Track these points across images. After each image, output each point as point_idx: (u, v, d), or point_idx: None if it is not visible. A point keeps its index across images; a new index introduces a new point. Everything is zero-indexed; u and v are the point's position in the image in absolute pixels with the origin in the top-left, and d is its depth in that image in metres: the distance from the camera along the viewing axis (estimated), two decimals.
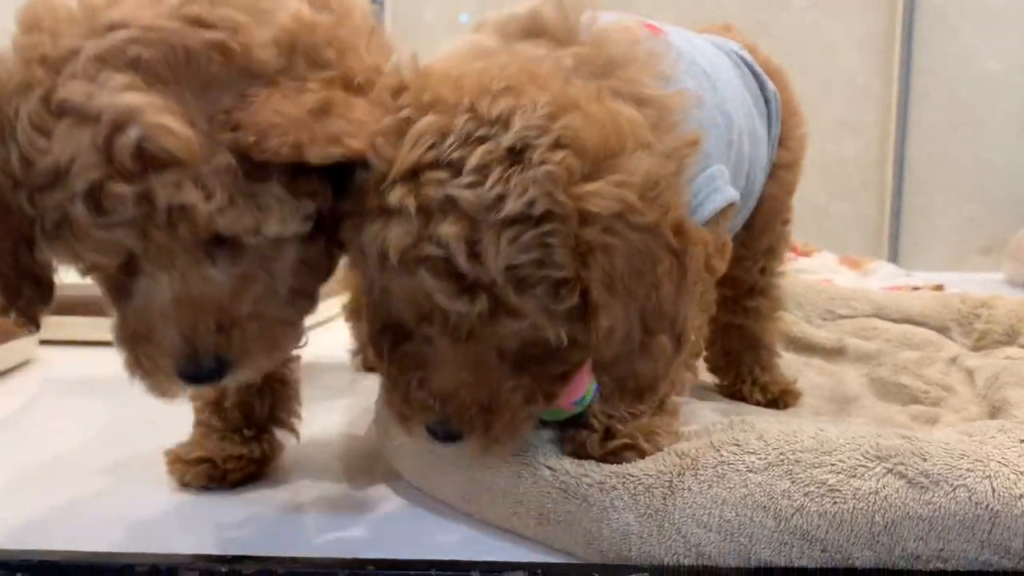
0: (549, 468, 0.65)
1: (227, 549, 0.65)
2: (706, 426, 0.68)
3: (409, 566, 0.61)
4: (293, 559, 0.62)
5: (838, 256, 1.94)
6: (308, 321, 0.66)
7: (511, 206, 0.55)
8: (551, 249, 0.55)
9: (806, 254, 1.96)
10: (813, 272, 1.83)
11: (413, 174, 0.57)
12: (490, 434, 0.61)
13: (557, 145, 0.56)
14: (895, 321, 1.26)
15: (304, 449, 0.85)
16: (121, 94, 0.52)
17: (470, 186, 0.55)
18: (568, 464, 0.65)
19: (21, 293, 0.64)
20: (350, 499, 0.77)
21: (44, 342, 1.25)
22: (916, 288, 1.63)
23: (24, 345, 1.22)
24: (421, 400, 0.62)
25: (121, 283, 0.61)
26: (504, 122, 0.57)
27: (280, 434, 0.82)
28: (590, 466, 0.65)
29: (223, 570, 0.60)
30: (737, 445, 0.62)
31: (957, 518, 0.58)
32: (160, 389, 0.62)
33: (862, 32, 2.22)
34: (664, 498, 0.61)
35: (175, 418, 0.83)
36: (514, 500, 0.65)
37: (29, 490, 0.78)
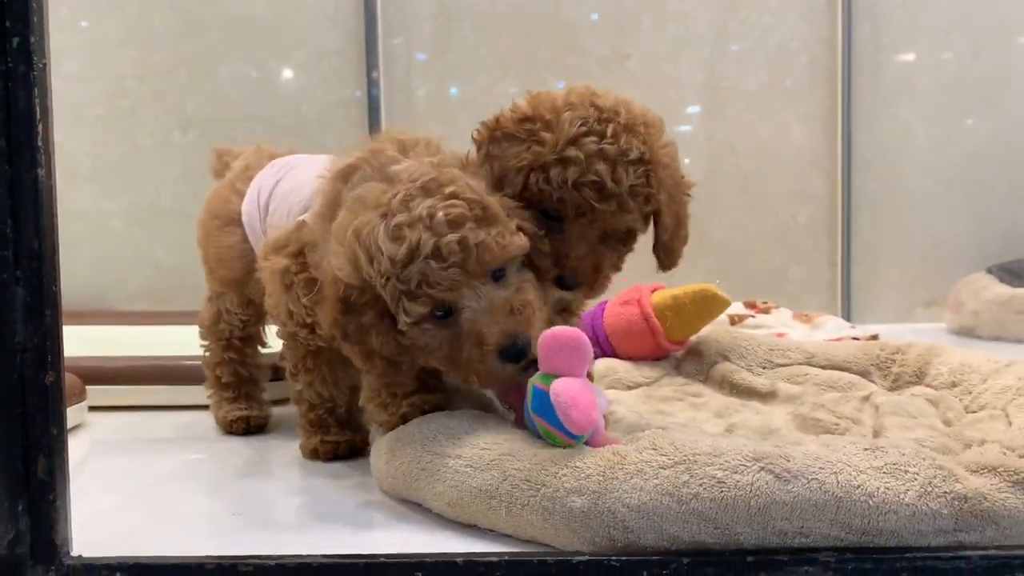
0: (515, 469, 0.86)
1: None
2: (636, 435, 0.90)
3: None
4: (324, 555, 0.82)
5: (792, 312, 2.13)
6: None
7: (633, 155, 0.99)
8: (648, 178, 1.01)
9: (765, 311, 2.16)
10: (769, 327, 2.03)
11: (575, 140, 0.99)
12: (596, 286, 1.07)
13: (647, 123, 1.03)
14: (823, 367, 1.44)
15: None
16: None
17: (611, 143, 0.99)
18: (529, 463, 0.86)
19: (399, 367, 1.02)
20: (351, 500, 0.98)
21: (93, 408, 1.45)
22: (856, 339, 1.83)
23: (76, 411, 1.41)
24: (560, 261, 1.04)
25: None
26: (615, 111, 1.01)
27: None
28: (546, 462, 0.86)
29: (271, 564, 0.80)
30: (654, 448, 0.84)
31: (811, 503, 0.78)
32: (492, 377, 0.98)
33: (808, 111, 2.43)
34: (599, 483, 0.82)
35: (206, 470, 1.14)
36: (488, 496, 0.87)
37: (107, 523, 0.98)
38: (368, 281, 0.96)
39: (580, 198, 0.99)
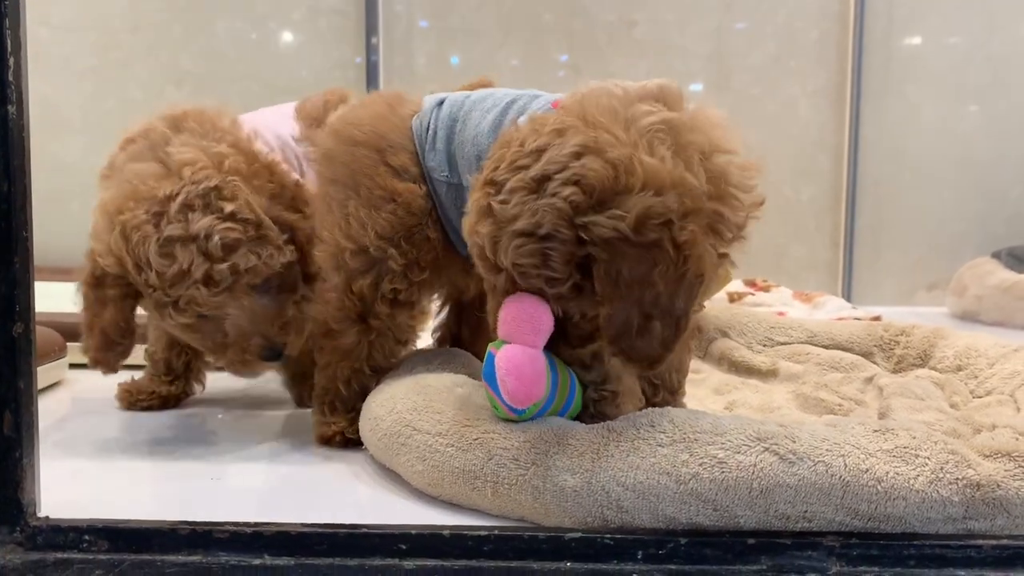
0: (501, 448, 0.81)
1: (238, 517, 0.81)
2: (633, 412, 0.85)
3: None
4: (304, 524, 0.78)
5: (792, 291, 2.10)
6: None
7: (521, 224, 0.78)
8: (550, 259, 0.78)
9: (765, 289, 2.12)
10: (769, 305, 1.99)
11: (485, 184, 0.82)
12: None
13: (569, 181, 0.78)
14: (826, 347, 1.41)
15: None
16: None
17: (502, 202, 0.79)
18: (517, 441, 0.81)
19: (116, 347, 1.03)
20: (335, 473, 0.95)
21: (73, 365, 1.41)
22: (857, 319, 1.79)
23: (56, 367, 1.38)
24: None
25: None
26: (537, 156, 0.80)
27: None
28: (535, 440, 0.81)
29: (248, 532, 0.76)
30: (652, 426, 0.80)
31: (817, 486, 0.75)
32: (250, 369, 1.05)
33: (816, 86, 2.39)
34: (592, 461, 0.78)
35: (186, 432, 1.10)
36: (472, 477, 0.82)
37: (80, 483, 0.94)
38: (128, 274, 0.98)
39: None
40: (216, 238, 0.96)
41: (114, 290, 1.00)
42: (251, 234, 0.98)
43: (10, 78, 0.71)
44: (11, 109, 0.71)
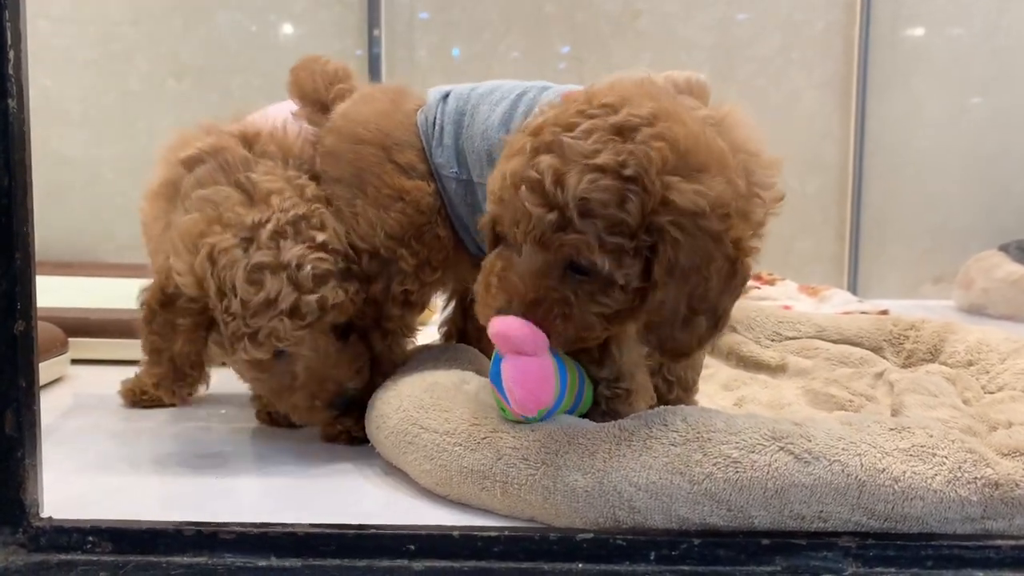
0: (511, 448, 0.80)
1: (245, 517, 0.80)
2: (645, 410, 0.84)
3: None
4: (311, 524, 0.76)
5: (798, 285, 2.09)
6: None
7: (604, 158, 0.74)
8: (627, 202, 0.73)
9: (770, 283, 2.11)
10: (774, 299, 1.98)
11: (537, 131, 0.77)
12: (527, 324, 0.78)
13: (658, 136, 0.75)
14: (835, 342, 1.39)
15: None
16: None
17: (574, 138, 0.75)
18: (527, 440, 0.80)
19: (187, 379, 0.97)
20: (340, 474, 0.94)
21: (75, 361, 1.40)
22: (864, 313, 1.78)
23: (58, 363, 1.37)
24: (495, 290, 0.80)
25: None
26: (612, 109, 0.76)
27: None
28: (545, 439, 0.80)
29: (254, 533, 0.75)
30: (665, 425, 0.78)
31: (833, 486, 0.73)
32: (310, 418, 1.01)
33: (822, 78, 2.37)
34: (604, 461, 0.76)
35: (190, 430, 1.09)
36: (481, 476, 0.81)
37: (84, 482, 0.93)
38: (207, 299, 0.92)
39: (518, 202, 0.82)
40: (308, 268, 0.92)
41: (187, 319, 0.94)
42: (340, 266, 0.96)
43: (10, 71, 0.69)
44: (11, 103, 0.70)
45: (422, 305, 1.07)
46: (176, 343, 0.95)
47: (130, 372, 1.23)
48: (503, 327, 0.78)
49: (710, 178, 0.75)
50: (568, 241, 0.76)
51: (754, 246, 0.81)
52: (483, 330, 1.21)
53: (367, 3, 2.28)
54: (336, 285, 0.94)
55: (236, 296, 0.90)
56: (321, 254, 0.94)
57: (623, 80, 0.83)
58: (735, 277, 0.77)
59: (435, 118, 1.02)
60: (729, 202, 0.76)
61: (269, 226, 0.92)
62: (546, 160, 0.75)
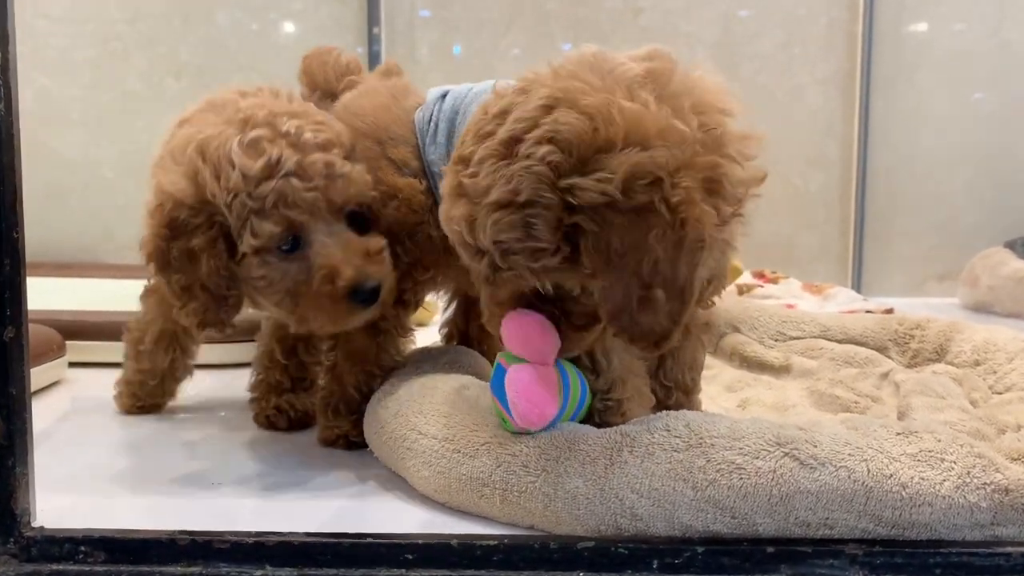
0: (510, 455, 0.79)
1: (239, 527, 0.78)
2: (647, 415, 0.82)
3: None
4: (307, 533, 0.75)
5: (802, 283, 2.07)
6: None
7: (496, 194, 0.70)
8: (533, 228, 0.70)
9: (773, 281, 2.09)
10: (778, 297, 1.96)
11: (453, 163, 0.75)
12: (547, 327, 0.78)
13: (542, 140, 0.69)
14: (839, 341, 1.38)
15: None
16: None
17: (471, 175, 0.72)
18: (527, 447, 0.79)
19: (226, 300, 0.90)
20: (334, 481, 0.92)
21: (73, 364, 1.39)
22: (869, 311, 1.76)
23: (55, 367, 1.35)
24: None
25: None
26: (501, 118, 0.72)
27: None
28: (545, 445, 0.78)
29: (249, 542, 0.73)
30: (667, 430, 0.77)
31: (839, 492, 0.72)
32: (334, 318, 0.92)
33: (825, 74, 2.35)
34: (606, 468, 0.75)
35: (187, 435, 1.07)
36: (480, 484, 0.79)
37: (77, 490, 0.91)
38: (207, 200, 0.86)
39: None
40: (308, 134, 0.88)
41: (199, 236, 0.88)
42: (344, 143, 0.92)
43: None
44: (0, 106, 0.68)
45: (416, 304, 1.05)
46: (201, 266, 0.88)
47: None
48: (522, 329, 0.78)
49: (617, 156, 0.69)
50: (504, 279, 0.75)
51: (716, 203, 0.73)
52: (485, 331, 1.20)
53: (367, 1, 2.27)
54: (339, 154, 0.90)
55: (235, 168, 0.86)
56: (321, 125, 0.90)
57: (567, 60, 0.78)
58: (683, 241, 0.70)
59: (431, 116, 1.00)
60: (656, 166, 0.69)
61: (264, 111, 0.89)
62: (459, 209, 0.73)
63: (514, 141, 0.71)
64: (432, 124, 1.00)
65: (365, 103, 1.05)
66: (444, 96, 1.02)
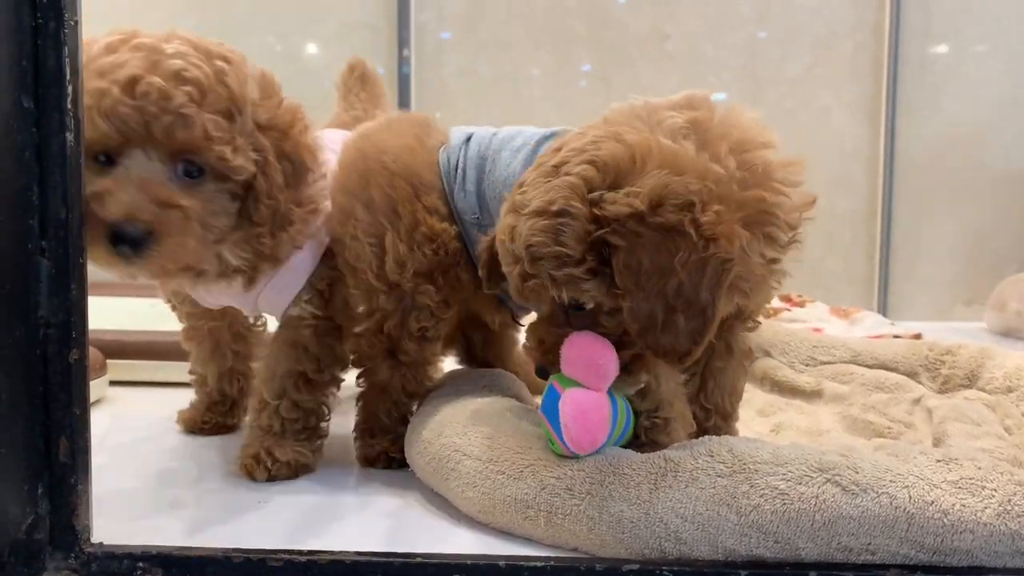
0: (555, 477, 0.80)
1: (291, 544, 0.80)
2: (690, 441, 0.84)
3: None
4: (358, 552, 0.77)
5: (829, 307, 2.07)
6: None
7: (536, 203, 0.78)
8: (561, 235, 0.76)
9: (800, 304, 2.10)
10: (805, 321, 1.97)
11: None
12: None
13: (584, 161, 0.77)
14: (870, 367, 1.38)
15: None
16: None
17: (522, 193, 0.80)
18: (571, 471, 0.80)
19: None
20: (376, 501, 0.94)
21: (114, 383, 1.42)
22: (897, 336, 1.76)
23: (96, 386, 1.38)
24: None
25: None
26: (556, 151, 0.81)
27: None
28: (590, 469, 0.80)
29: (302, 560, 0.75)
30: (711, 455, 0.78)
31: (881, 518, 0.73)
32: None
33: (852, 98, 2.36)
34: (650, 492, 0.76)
35: (230, 453, 1.08)
36: (524, 506, 0.81)
37: (124, 508, 0.94)
38: None
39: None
40: (174, 61, 0.83)
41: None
42: (219, 66, 0.87)
43: (68, 106, 0.71)
44: (69, 136, 0.71)
45: (439, 339, 1.06)
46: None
47: (169, 394, 1.23)
48: (583, 352, 0.81)
49: (648, 176, 0.76)
50: (531, 287, 0.80)
51: (773, 255, 0.82)
52: (488, 340, 1.24)
53: (397, 24, 2.30)
54: (197, 99, 0.85)
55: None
56: (200, 67, 0.86)
57: (616, 111, 0.87)
58: (707, 264, 0.74)
59: (457, 161, 1.02)
60: (686, 192, 0.75)
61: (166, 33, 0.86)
62: (507, 220, 0.81)
63: (561, 164, 0.79)
64: (459, 171, 1.02)
65: (392, 141, 1.04)
66: (468, 140, 1.04)
